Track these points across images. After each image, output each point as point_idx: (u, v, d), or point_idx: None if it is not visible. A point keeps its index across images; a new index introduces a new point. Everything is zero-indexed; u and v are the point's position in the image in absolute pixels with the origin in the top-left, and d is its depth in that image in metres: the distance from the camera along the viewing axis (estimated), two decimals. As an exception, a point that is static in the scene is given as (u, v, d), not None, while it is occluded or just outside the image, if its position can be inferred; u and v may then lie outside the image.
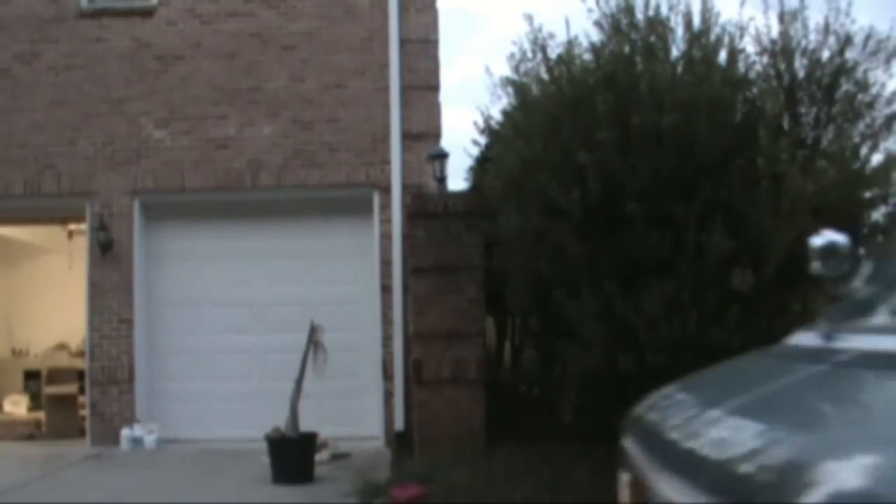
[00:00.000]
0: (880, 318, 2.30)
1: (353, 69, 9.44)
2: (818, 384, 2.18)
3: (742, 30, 7.07)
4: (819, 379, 2.21)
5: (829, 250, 2.39)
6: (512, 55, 7.84)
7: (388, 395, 9.01)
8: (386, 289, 9.12)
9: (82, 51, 9.56)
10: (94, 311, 9.37)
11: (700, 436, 2.13)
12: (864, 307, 2.42)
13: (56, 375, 10.78)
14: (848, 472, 1.52)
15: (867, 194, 6.55)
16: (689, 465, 2.08)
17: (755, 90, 7.09)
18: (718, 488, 1.85)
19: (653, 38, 7.06)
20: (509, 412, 8.47)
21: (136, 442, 8.97)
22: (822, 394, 2.10)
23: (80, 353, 10.45)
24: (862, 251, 2.48)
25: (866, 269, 2.48)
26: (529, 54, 7.65)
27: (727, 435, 2.03)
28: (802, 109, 6.99)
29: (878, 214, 6.72)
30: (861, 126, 6.81)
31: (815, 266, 2.41)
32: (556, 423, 7.93)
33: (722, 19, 7.11)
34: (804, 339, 2.49)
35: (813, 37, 6.99)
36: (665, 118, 6.41)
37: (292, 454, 7.44)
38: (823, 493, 1.48)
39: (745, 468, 1.79)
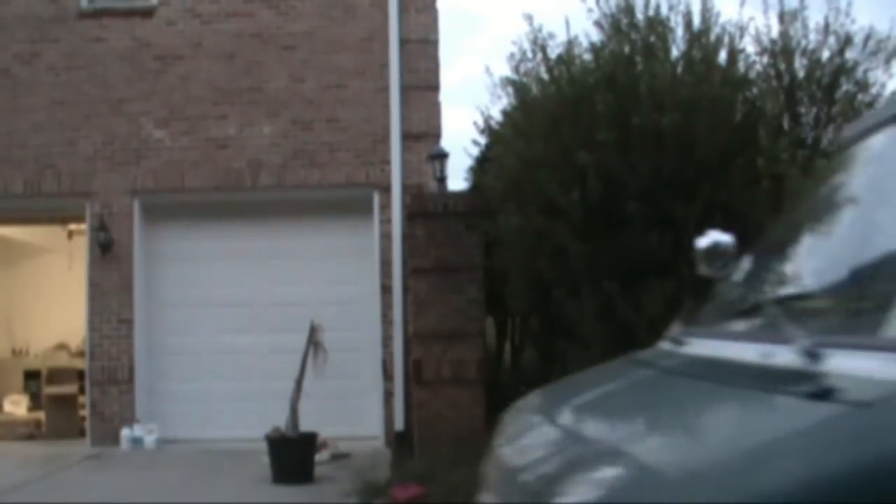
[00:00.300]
0: (722, 321, 2.31)
1: (353, 69, 9.44)
2: (631, 392, 2.24)
3: (742, 30, 7.08)
4: (636, 386, 2.27)
5: (714, 251, 2.39)
6: (512, 55, 7.85)
7: (388, 395, 9.01)
8: (386, 289, 9.11)
9: (82, 51, 9.56)
10: (94, 311, 9.36)
11: (513, 441, 2.22)
12: (720, 309, 2.43)
13: (56, 375, 10.77)
14: (591, 483, 1.61)
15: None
16: (495, 470, 2.17)
17: (755, 90, 7.10)
18: (506, 494, 1.94)
19: (653, 38, 7.07)
20: (509, 412, 8.47)
21: (136, 442, 8.97)
22: (625, 402, 2.15)
23: (80, 353, 10.45)
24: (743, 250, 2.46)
25: (743, 268, 2.48)
26: (529, 54, 7.67)
27: (528, 442, 2.11)
28: (802, 109, 7.00)
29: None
30: (861, 126, 6.80)
31: (702, 268, 2.40)
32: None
33: (722, 19, 7.12)
34: (664, 342, 2.51)
35: (813, 37, 7.00)
36: (665, 118, 6.42)
37: (292, 454, 7.44)
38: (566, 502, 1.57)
39: (525, 476, 1.88)
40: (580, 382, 2.73)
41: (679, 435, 1.76)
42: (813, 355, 1.66)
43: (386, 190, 9.23)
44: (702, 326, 2.37)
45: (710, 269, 2.34)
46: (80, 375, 9.99)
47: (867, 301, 2.01)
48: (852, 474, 1.29)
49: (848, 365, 1.60)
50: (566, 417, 2.18)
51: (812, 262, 2.30)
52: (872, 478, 1.28)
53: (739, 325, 2.21)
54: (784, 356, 1.74)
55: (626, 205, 6.41)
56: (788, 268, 2.37)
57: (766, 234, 2.69)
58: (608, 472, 1.62)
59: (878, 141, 2.26)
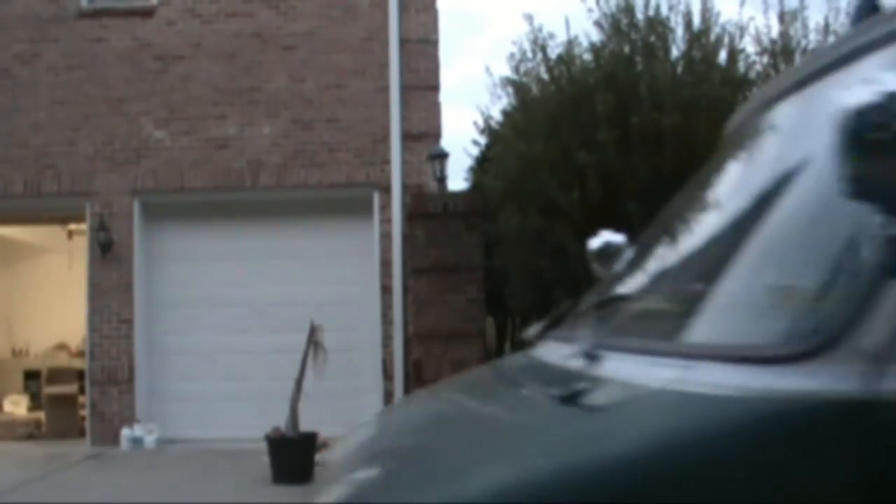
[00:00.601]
0: (572, 322, 2.35)
1: (353, 69, 9.44)
2: (454, 395, 2.29)
3: (742, 30, 7.10)
4: (464, 389, 2.34)
5: (606, 251, 2.40)
6: (512, 55, 7.88)
7: (388, 395, 9.00)
8: (386, 289, 9.11)
9: (82, 51, 9.56)
10: (94, 311, 9.37)
11: (342, 442, 2.28)
12: (576, 310, 2.46)
13: (56, 375, 10.77)
14: (345, 484, 1.69)
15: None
16: (321, 470, 2.23)
17: (755, 90, 7.11)
18: (314, 493, 2.01)
19: (653, 38, 7.08)
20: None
21: (136, 442, 8.97)
22: (436, 405, 2.20)
23: (80, 353, 10.45)
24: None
25: (619, 266, 2.50)
26: (529, 54, 7.69)
27: (348, 442, 2.17)
28: (802, 109, 6.99)
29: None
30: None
31: (596, 268, 2.43)
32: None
33: (722, 19, 7.14)
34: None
35: (813, 37, 7.01)
36: (665, 118, 6.43)
37: (292, 454, 7.44)
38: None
39: (323, 475, 1.92)
40: (443, 383, 2.82)
41: (434, 438, 1.82)
42: (592, 358, 1.68)
43: (386, 190, 9.23)
44: (558, 328, 2.40)
45: (602, 269, 2.36)
46: (80, 375, 9.99)
47: (660, 303, 2.03)
48: (554, 479, 1.30)
49: (616, 368, 1.61)
50: (387, 417, 2.26)
51: (652, 261, 2.32)
52: (574, 484, 1.28)
53: (576, 327, 2.25)
54: (575, 359, 1.77)
55: (626, 205, 6.42)
56: (639, 265, 2.39)
57: (647, 229, 2.71)
58: (363, 474, 1.71)
59: (739, 134, 2.26)
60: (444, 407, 2.15)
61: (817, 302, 1.41)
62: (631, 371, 1.56)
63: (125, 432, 9.02)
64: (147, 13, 9.58)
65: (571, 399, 1.52)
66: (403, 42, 9.43)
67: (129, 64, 9.53)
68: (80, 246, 10.11)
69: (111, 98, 9.48)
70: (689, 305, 1.74)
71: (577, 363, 1.73)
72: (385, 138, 9.29)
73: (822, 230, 1.51)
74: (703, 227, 2.11)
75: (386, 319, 9.11)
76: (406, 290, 8.78)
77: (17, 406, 11.23)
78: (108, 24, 9.60)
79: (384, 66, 9.37)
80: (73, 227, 11.00)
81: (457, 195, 8.56)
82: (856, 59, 1.63)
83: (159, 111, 9.48)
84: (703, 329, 1.63)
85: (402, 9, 9.45)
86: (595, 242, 2.36)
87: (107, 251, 9.30)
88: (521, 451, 1.46)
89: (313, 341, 7.79)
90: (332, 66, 9.45)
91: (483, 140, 9.36)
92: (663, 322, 1.85)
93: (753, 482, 1.26)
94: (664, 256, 2.27)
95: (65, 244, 11.40)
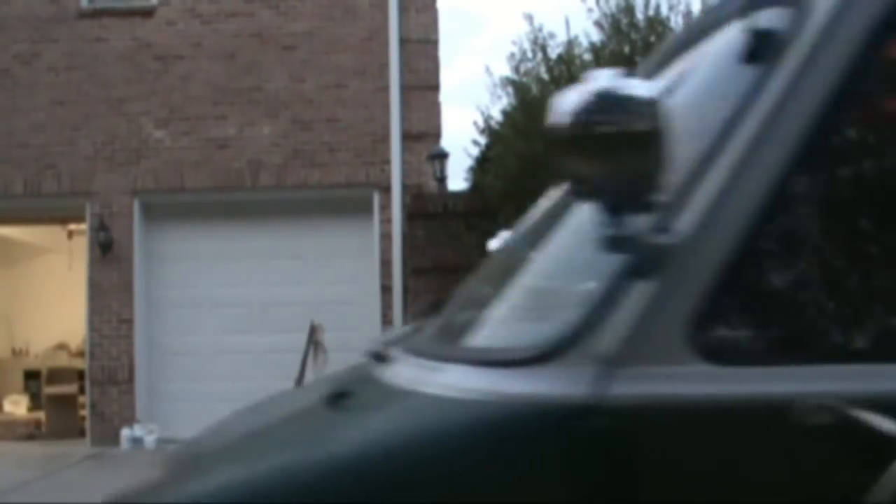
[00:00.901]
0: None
1: (353, 69, 9.44)
2: (284, 398, 2.37)
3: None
4: (294, 392, 2.38)
5: None
6: (512, 55, 7.88)
7: (388, 395, 9.00)
8: (386, 289, 9.11)
9: (82, 51, 9.56)
10: (94, 311, 9.37)
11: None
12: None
13: (56, 375, 10.78)
14: (139, 483, 1.73)
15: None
16: None
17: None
18: None
19: (653, 38, 7.08)
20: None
21: (136, 442, 8.97)
22: (261, 408, 2.25)
23: (80, 353, 10.45)
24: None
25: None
26: (529, 54, 7.69)
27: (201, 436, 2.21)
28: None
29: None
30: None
31: None
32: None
33: (722, 19, 7.12)
34: None
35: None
36: (665, 118, 6.42)
37: (292, 454, 7.44)
38: None
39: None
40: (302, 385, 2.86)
41: (224, 438, 1.84)
42: (379, 359, 1.69)
43: (386, 190, 9.23)
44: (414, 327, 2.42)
45: None
46: (80, 375, 9.99)
47: (465, 305, 2.04)
48: (280, 478, 1.33)
49: (390, 370, 1.62)
50: (230, 416, 2.30)
51: (494, 262, 2.33)
52: (298, 482, 1.31)
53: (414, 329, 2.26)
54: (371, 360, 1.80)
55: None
56: (487, 266, 2.39)
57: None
58: (152, 472, 1.77)
59: None
60: (263, 409, 2.18)
61: (560, 306, 1.43)
62: (397, 372, 1.57)
63: (125, 432, 9.02)
64: (147, 13, 9.58)
65: (332, 400, 1.54)
66: (403, 42, 9.43)
67: (129, 64, 9.53)
68: (80, 246, 10.11)
69: (111, 98, 9.48)
70: (478, 308, 1.76)
71: (371, 364, 1.75)
72: (385, 138, 9.29)
73: (585, 231, 1.52)
74: (535, 227, 2.11)
75: (386, 319, 9.10)
76: (406, 290, 8.78)
77: (17, 406, 11.23)
78: (108, 24, 9.60)
79: (384, 66, 9.37)
80: (73, 227, 11.00)
81: (457, 195, 8.57)
82: (718, 28, 1.61)
83: (159, 111, 9.48)
84: (477, 332, 1.64)
85: (402, 9, 9.45)
86: (494, 242, 2.38)
87: (107, 251, 9.30)
88: (266, 451, 1.50)
89: (313, 341, 7.80)
90: (332, 66, 9.45)
91: (483, 140, 9.35)
92: (456, 324, 1.86)
93: (472, 484, 1.27)
94: (501, 258, 2.27)
95: (65, 244, 11.40)
